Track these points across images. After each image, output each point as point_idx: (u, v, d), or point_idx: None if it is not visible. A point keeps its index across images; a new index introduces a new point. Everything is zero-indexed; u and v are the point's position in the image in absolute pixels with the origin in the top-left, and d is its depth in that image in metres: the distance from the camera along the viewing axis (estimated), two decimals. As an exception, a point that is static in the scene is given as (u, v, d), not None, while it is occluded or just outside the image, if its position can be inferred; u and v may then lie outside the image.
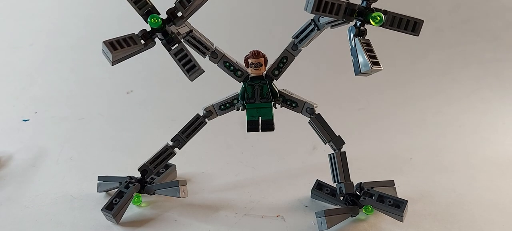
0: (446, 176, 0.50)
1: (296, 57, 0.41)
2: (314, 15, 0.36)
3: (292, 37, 0.40)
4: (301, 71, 0.69)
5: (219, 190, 0.48)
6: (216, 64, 0.42)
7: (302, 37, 0.39)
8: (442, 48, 0.83)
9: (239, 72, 0.42)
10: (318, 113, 0.42)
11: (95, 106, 0.71)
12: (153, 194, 0.45)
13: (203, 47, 0.40)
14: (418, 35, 0.34)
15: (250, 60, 0.41)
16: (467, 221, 0.42)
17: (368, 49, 0.33)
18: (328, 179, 0.43)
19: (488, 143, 0.58)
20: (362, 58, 0.33)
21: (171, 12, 0.36)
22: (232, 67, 0.42)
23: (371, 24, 0.34)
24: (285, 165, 0.53)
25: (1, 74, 0.79)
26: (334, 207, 0.43)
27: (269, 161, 0.54)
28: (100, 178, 0.47)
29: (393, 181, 0.45)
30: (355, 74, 0.33)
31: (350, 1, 0.34)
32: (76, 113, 0.69)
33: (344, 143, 0.41)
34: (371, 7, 0.34)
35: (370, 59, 0.32)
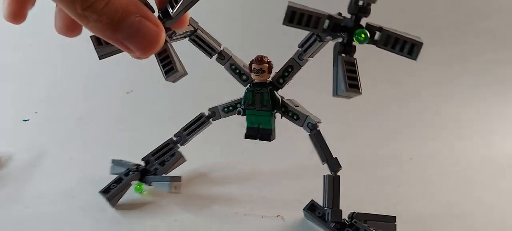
0: (446, 176, 0.50)
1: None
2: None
3: (298, 45, 0.38)
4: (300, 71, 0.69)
5: (219, 190, 0.48)
6: (222, 66, 0.41)
7: (306, 47, 0.37)
8: (442, 48, 0.83)
9: (244, 77, 0.41)
10: (318, 130, 0.40)
11: (95, 106, 0.71)
12: (150, 185, 0.46)
13: (209, 48, 0.39)
14: (415, 60, 0.30)
15: (253, 66, 0.39)
16: (467, 221, 0.42)
17: (349, 69, 0.30)
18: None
19: (488, 143, 0.58)
20: (340, 79, 0.30)
21: (163, 11, 0.34)
22: (237, 71, 0.41)
23: (355, 43, 0.30)
24: (285, 165, 0.53)
25: (1, 74, 0.79)
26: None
27: (269, 161, 0.54)
28: (113, 161, 0.49)
29: (394, 217, 0.40)
30: (333, 95, 0.31)
31: (334, 15, 0.30)
32: (76, 113, 0.69)
33: (340, 167, 0.39)
34: (360, 23, 0.30)
35: (348, 81, 0.29)
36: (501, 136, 0.60)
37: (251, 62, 0.40)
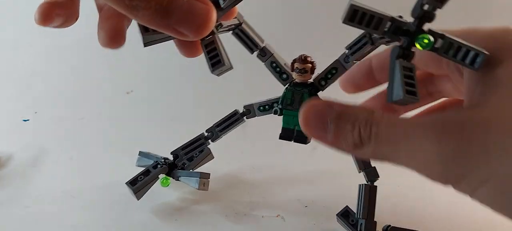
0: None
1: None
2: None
3: (345, 47, 0.37)
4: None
5: (219, 190, 0.48)
6: (263, 63, 0.39)
7: (355, 49, 0.36)
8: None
9: (284, 75, 0.39)
10: None
11: (95, 106, 0.71)
12: (178, 179, 0.45)
13: (251, 43, 0.38)
14: (477, 70, 0.28)
15: (295, 65, 0.38)
16: (467, 221, 0.42)
17: (408, 75, 0.28)
18: (326, 181, 0.43)
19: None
20: (397, 84, 0.28)
21: (213, 2, 0.33)
22: (278, 69, 0.39)
23: (417, 48, 0.29)
24: (285, 165, 0.53)
25: (1, 74, 0.79)
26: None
27: (269, 161, 0.54)
28: (140, 153, 0.48)
29: None
30: (387, 101, 0.29)
31: (396, 17, 0.29)
32: (76, 113, 0.69)
33: (378, 177, 0.38)
34: (423, 28, 0.29)
35: (406, 87, 0.28)
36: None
37: (294, 61, 0.38)
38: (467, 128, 0.26)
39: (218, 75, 0.35)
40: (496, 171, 0.25)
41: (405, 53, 0.29)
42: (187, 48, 0.36)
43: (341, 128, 0.29)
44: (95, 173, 0.50)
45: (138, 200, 0.43)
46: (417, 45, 0.28)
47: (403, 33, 0.29)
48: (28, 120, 0.68)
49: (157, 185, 0.44)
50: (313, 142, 0.58)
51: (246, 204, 0.45)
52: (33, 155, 0.56)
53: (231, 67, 0.35)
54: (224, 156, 0.56)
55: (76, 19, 0.34)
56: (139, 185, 0.43)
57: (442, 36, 0.29)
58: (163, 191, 0.47)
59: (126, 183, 0.43)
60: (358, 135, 0.29)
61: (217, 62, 0.34)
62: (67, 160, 0.55)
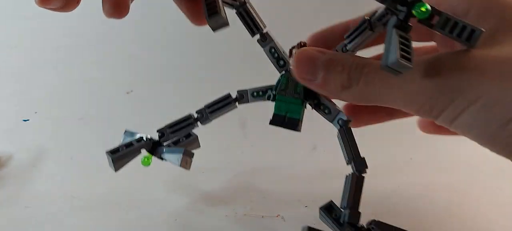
0: (446, 176, 0.50)
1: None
2: (369, 15, 0.33)
3: (345, 36, 0.37)
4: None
5: (219, 190, 0.48)
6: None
7: (353, 36, 0.36)
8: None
9: (281, 62, 0.39)
10: (350, 127, 0.38)
11: (95, 106, 0.71)
12: (161, 158, 0.43)
13: (254, 25, 0.38)
14: (473, 47, 0.29)
15: (294, 51, 0.38)
16: (467, 221, 0.42)
17: (404, 43, 0.28)
18: (326, 181, 0.43)
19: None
20: (392, 50, 0.28)
21: None
22: (276, 55, 0.39)
23: (415, 16, 0.29)
24: (285, 164, 0.53)
25: (1, 74, 0.79)
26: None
27: (268, 161, 0.54)
28: (126, 132, 0.46)
29: None
30: (380, 68, 0.29)
31: None
32: (76, 113, 0.69)
33: (366, 167, 0.37)
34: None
35: (401, 52, 0.27)
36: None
37: (292, 48, 0.38)
38: (463, 58, 0.27)
39: (214, 28, 0.34)
40: (487, 91, 0.26)
41: (402, 25, 0.29)
42: (195, 13, 0.36)
43: (331, 70, 0.31)
44: (95, 173, 0.50)
45: (115, 171, 0.40)
46: (415, 13, 0.29)
47: (402, 3, 0.29)
48: (28, 120, 0.68)
49: (156, 183, 0.44)
50: (313, 142, 0.59)
51: (246, 204, 0.45)
52: (33, 155, 0.56)
53: (227, 24, 0.34)
54: (224, 156, 0.56)
55: (78, 2, 0.34)
56: (119, 155, 0.41)
57: (438, 12, 0.29)
58: (163, 191, 0.47)
59: (106, 152, 0.41)
60: (348, 75, 0.30)
61: (214, 12, 0.34)
62: (67, 160, 0.55)
